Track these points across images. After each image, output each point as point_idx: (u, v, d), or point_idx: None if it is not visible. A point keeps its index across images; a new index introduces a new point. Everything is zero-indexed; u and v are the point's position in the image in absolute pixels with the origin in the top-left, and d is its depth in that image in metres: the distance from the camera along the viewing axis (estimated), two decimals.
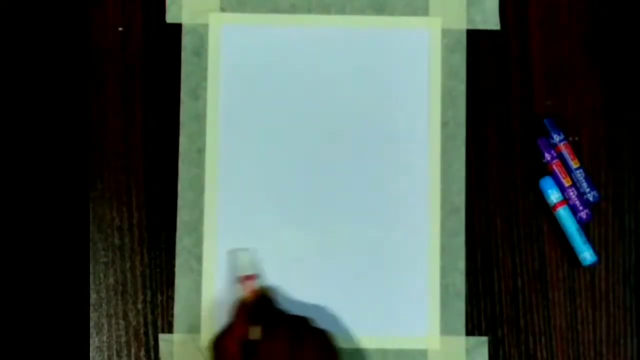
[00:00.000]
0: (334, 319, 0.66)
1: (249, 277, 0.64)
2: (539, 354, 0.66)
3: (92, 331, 0.66)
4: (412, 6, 0.68)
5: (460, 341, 0.66)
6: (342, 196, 0.67)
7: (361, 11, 0.68)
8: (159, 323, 0.66)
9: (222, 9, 0.68)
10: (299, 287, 0.66)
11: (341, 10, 0.68)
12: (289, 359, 0.57)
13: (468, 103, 0.67)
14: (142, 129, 0.67)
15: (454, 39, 0.68)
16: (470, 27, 0.68)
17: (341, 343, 0.65)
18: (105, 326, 0.66)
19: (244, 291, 0.63)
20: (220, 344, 0.59)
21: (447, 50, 0.68)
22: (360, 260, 0.66)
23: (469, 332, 0.66)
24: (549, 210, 0.67)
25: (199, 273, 0.66)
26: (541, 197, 0.67)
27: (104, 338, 0.66)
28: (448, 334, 0.66)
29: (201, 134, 0.67)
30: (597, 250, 0.65)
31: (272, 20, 0.68)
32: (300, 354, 0.57)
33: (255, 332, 0.59)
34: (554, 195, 0.65)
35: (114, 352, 0.66)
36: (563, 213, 0.65)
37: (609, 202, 0.67)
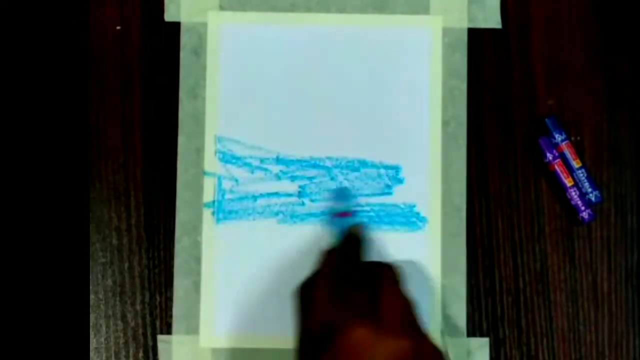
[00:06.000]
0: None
1: (344, 214, 0.64)
2: (540, 355, 0.66)
3: (91, 332, 0.66)
4: (413, 5, 0.68)
5: (462, 342, 0.66)
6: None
7: (362, 10, 0.68)
8: (158, 324, 0.66)
9: (221, 8, 0.67)
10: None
11: (341, 9, 0.68)
12: (376, 307, 0.54)
13: (469, 102, 0.67)
14: (140, 129, 0.67)
15: (455, 37, 0.67)
16: (472, 25, 0.68)
17: None
18: (104, 327, 0.66)
19: (335, 229, 0.63)
20: (306, 291, 0.56)
21: (448, 49, 0.67)
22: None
23: (470, 333, 0.66)
24: (551, 210, 0.66)
25: (197, 274, 0.66)
26: (542, 197, 0.67)
27: (102, 339, 0.66)
28: (449, 334, 0.66)
29: (200, 133, 0.67)
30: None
31: (271, 18, 0.67)
32: (388, 303, 0.54)
33: (360, 230, 0.57)
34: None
35: (113, 354, 0.65)
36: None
37: (611, 202, 0.67)
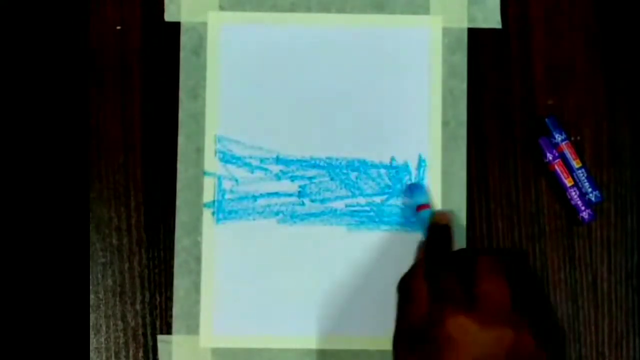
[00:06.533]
0: (334, 319, 0.65)
1: (424, 206, 0.64)
2: None
3: (91, 332, 0.66)
4: (413, 5, 0.68)
5: None
6: (344, 194, 0.67)
7: (361, 10, 0.68)
8: (158, 324, 0.66)
9: (221, 8, 0.67)
10: (299, 287, 0.66)
11: (341, 9, 0.68)
12: (466, 296, 0.53)
13: (469, 102, 0.67)
14: (140, 129, 0.67)
15: (455, 37, 0.67)
16: (472, 25, 0.67)
17: (341, 344, 0.65)
18: (104, 327, 0.66)
19: (420, 224, 0.63)
20: (405, 283, 0.56)
21: (448, 49, 0.67)
22: (361, 260, 0.66)
23: None
24: (551, 210, 0.66)
25: (197, 274, 0.66)
26: (542, 197, 0.66)
27: (102, 339, 0.66)
28: None
29: (200, 133, 0.67)
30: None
31: (271, 18, 0.67)
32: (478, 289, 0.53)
33: (444, 217, 0.57)
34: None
35: (113, 354, 0.65)
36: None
37: (612, 202, 0.67)
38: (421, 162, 0.67)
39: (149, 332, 0.66)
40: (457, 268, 0.54)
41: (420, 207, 0.65)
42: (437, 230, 0.61)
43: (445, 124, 0.67)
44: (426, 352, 0.51)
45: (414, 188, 0.66)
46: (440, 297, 0.53)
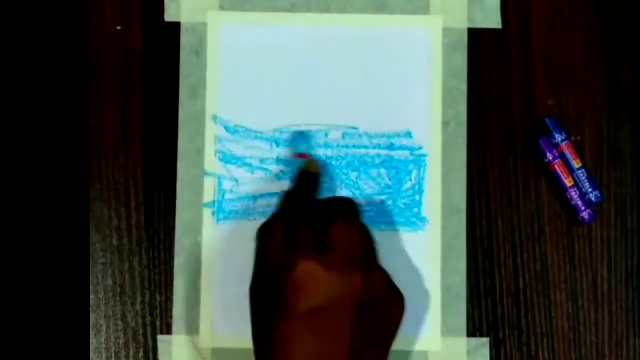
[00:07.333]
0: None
1: (302, 155, 0.64)
2: (540, 355, 0.66)
3: (91, 332, 0.66)
4: (413, 5, 0.67)
5: (461, 342, 0.65)
6: (344, 194, 0.66)
7: (361, 10, 0.68)
8: (158, 324, 0.66)
9: (221, 8, 0.67)
10: None
11: (341, 9, 0.68)
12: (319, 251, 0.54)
13: (469, 102, 0.67)
14: (140, 129, 0.67)
15: (455, 37, 0.67)
16: (472, 25, 0.67)
17: None
18: (104, 327, 0.66)
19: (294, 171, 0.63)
20: (263, 229, 0.57)
21: (448, 49, 0.67)
22: None
23: (470, 333, 0.66)
24: (551, 210, 0.66)
25: (198, 274, 0.66)
26: (542, 197, 0.66)
27: (102, 339, 0.66)
28: (449, 335, 0.65)
29: (200, 133, 0.67)
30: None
31: (271, 18, 0.67)
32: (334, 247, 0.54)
33: (313, 165, 0.58)
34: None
35: (112, 354, 0.65)
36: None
37: (612, 202, 0.67)
38: (421, 162, 0.67)
39: (149, 332, 0.66)
40: (315, 216, 0.56)
41: (297, 155, 0.64)
42: (305, 177, 0.62)
43: (445, 123, 0.67)
44: (276, 297, 0.53)
45: (296, 134, 0.65)
46: (293, 244, 0.54)
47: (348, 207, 0.58)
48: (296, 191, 0.62)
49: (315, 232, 0.55)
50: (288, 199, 0.60)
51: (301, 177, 0.63)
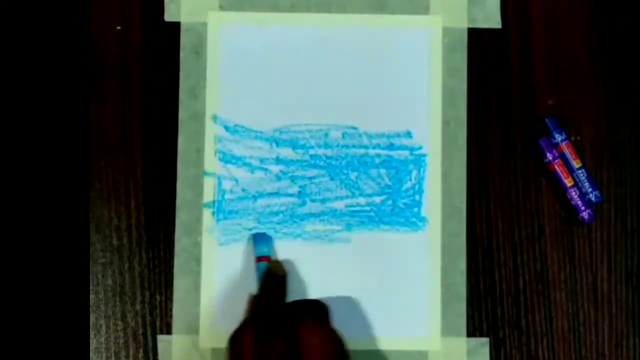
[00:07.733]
0: (333, 319, 0.65)
1: (264, 258, 0.64)
2: (540, 355, 0.66)
3: (91, 332, 0.66)
4: (413, 5, 0.68)
5: (461, 342, 0.65)
6: (344, 194, 0.67)
7: (361, 10, 0.68)
8: (158, 324, 0.66)
9: (221, 8, 0.67)
10: (298, 289, 0.66)
11: (341, 9, 0.68)
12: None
13: (469, 102, 0.67)
14: (140, 129, 0.67)
15: (455, 37, 0.67)
16: (472, 25, 0.68)
17: None
18: (104, 327, 0.66)
19: (259, 274, 0.63)
20: (235, 340, 0.57)
21: (448, 49, 0.67)
22: (360, 260, 0.66)
23: (470, 333, 0.66)
24: (551, 210, 0.66)
25: (197, 274, 0.66)
26: (542, 197, 0.66)
27: (102, 339, 0.66)
28: (449, 335, 0.65)
29: (200, 133, 0.67)
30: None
31: (271, 18, 0.67)
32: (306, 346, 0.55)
33: (279, 267, 0.58)
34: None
35: (113, 354, 0.65)
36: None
37: (612, 202, 0.67)
38: (421, 162, 0.67)
39: (149, 332, 0.66)
40: (284, 321, 0.56)
41: (259, 259, 0.64)
42: (271, 280, 0.62)
43: (445, 123, 0.67)
44: None
45: (258, 238, 0.65)
46: (265, 355, 0.54)
47: (316, 310, 0.58)
48: (264, 295, 0.61)
49: (286, 339, 0.55)
50: (257, 303, 0.60)
51: (267, 280, 0.62)
